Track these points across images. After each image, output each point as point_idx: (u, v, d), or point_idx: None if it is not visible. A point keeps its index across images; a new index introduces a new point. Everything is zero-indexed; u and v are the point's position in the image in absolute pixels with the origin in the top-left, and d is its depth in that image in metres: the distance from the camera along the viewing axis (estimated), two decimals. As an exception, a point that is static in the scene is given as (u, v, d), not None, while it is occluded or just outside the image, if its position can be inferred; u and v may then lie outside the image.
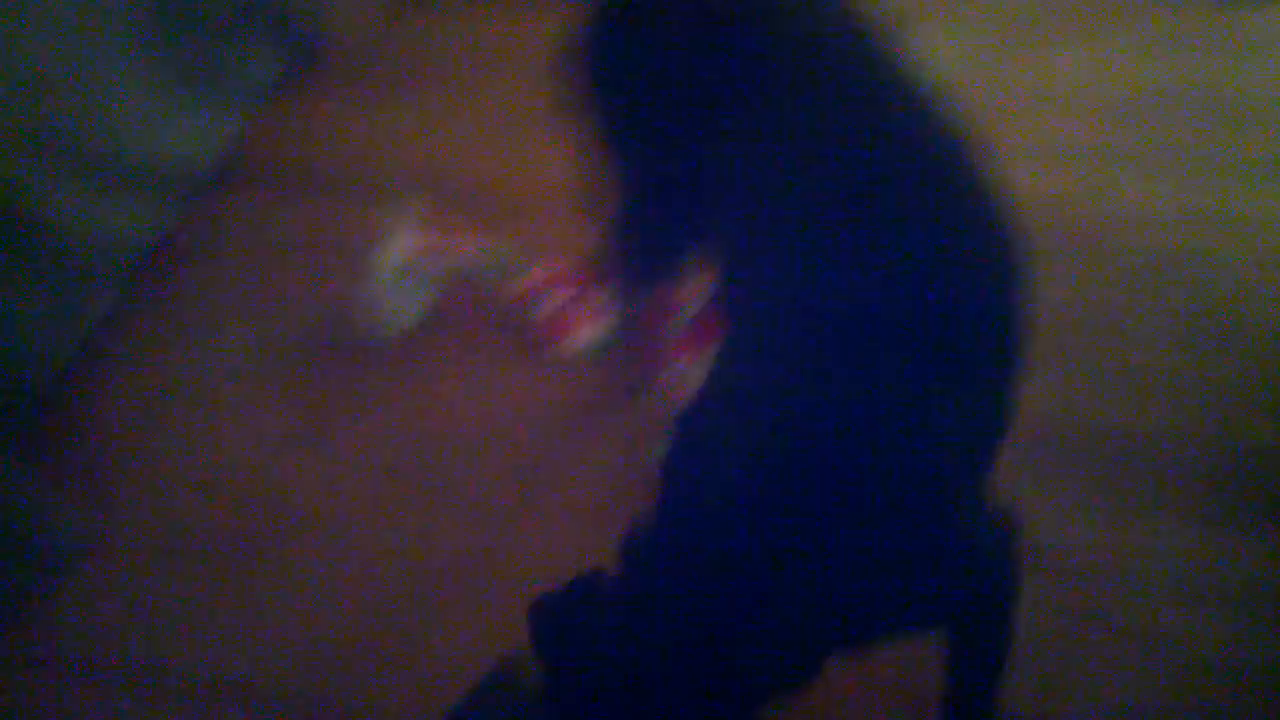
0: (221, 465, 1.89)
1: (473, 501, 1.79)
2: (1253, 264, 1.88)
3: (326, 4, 2.41)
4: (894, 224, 1.09)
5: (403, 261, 1.95)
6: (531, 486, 1.79)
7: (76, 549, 1.79)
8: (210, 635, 1.72)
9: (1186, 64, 2.18)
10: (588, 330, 1.90)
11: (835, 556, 1.02)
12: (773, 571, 1.02)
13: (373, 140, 2.32)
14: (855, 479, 1.02)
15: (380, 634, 1.69)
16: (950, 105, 1.20)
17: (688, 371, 1.76)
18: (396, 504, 1.82)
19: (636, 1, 1.35)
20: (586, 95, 1.42)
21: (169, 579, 1.78)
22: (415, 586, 1.72)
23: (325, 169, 2.28)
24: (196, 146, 2.15)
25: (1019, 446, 1.29)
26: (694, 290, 1.78)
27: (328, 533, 1.80)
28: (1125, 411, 1.74)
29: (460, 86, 2.37)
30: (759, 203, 1.17)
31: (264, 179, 2.26)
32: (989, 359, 1.11)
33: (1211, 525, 1.61)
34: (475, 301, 2.01)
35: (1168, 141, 2.07)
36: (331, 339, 2.01)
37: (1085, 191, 2.02)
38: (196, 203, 2.18)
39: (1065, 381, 1.77)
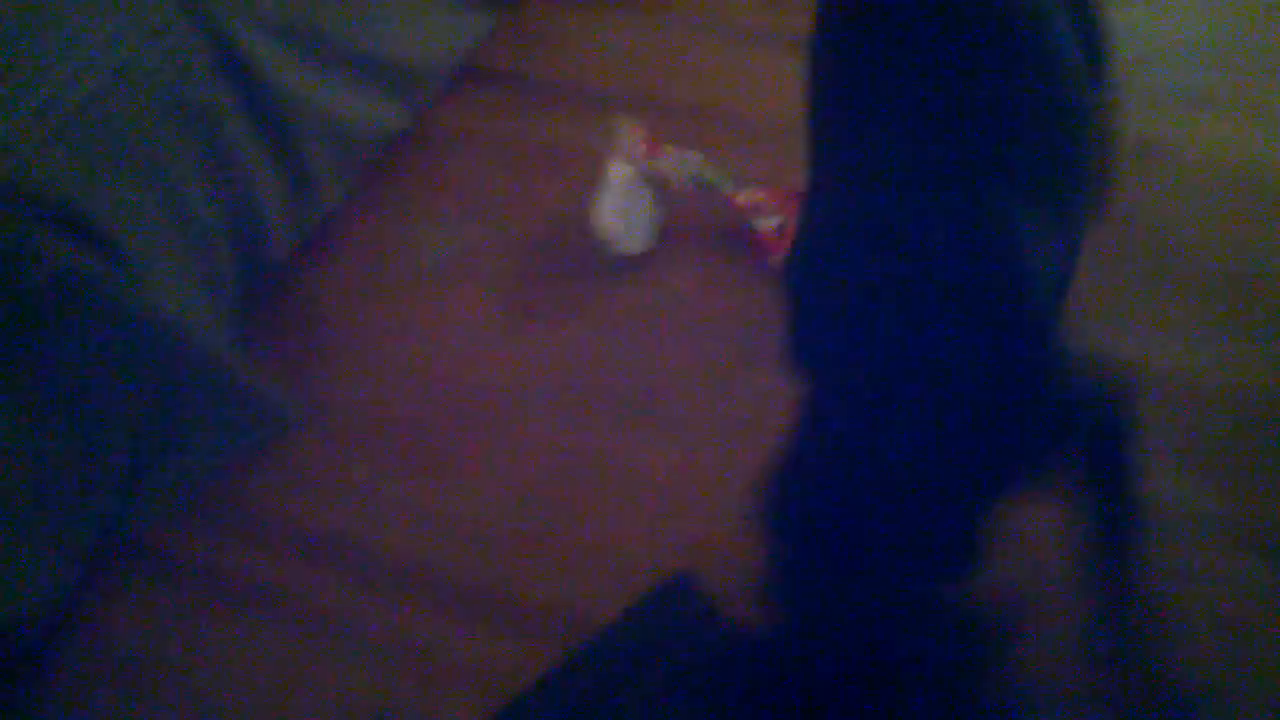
0: (428, 354, 1.91)
1: (669, 419, 1.76)
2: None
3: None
4: None
5: (632, 178, 1.94)
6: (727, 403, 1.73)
7: (292, 421, 1.83)
8: (398, 515, 1.75)
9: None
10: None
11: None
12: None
13: (607, 54, 2.32)
14: None
15: (555, 530, 1.69)
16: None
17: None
18: (587, 411, 1.81)
19: None
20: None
21: (368, 457, 1.82)
22: (596, 491, 1.71)
23: (559, 79, 2.29)
24: (440, 47, 2.18)
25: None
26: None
27: (516, 428, 1.81)
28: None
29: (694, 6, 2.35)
30: None
31: (500, 83, 2.28)
32: None
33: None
34: (700, 210, 1.97)
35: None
36: (550, 244, 2.01)
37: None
38: (432, 102, 2.21)
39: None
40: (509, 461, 1.78)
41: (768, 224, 1.89)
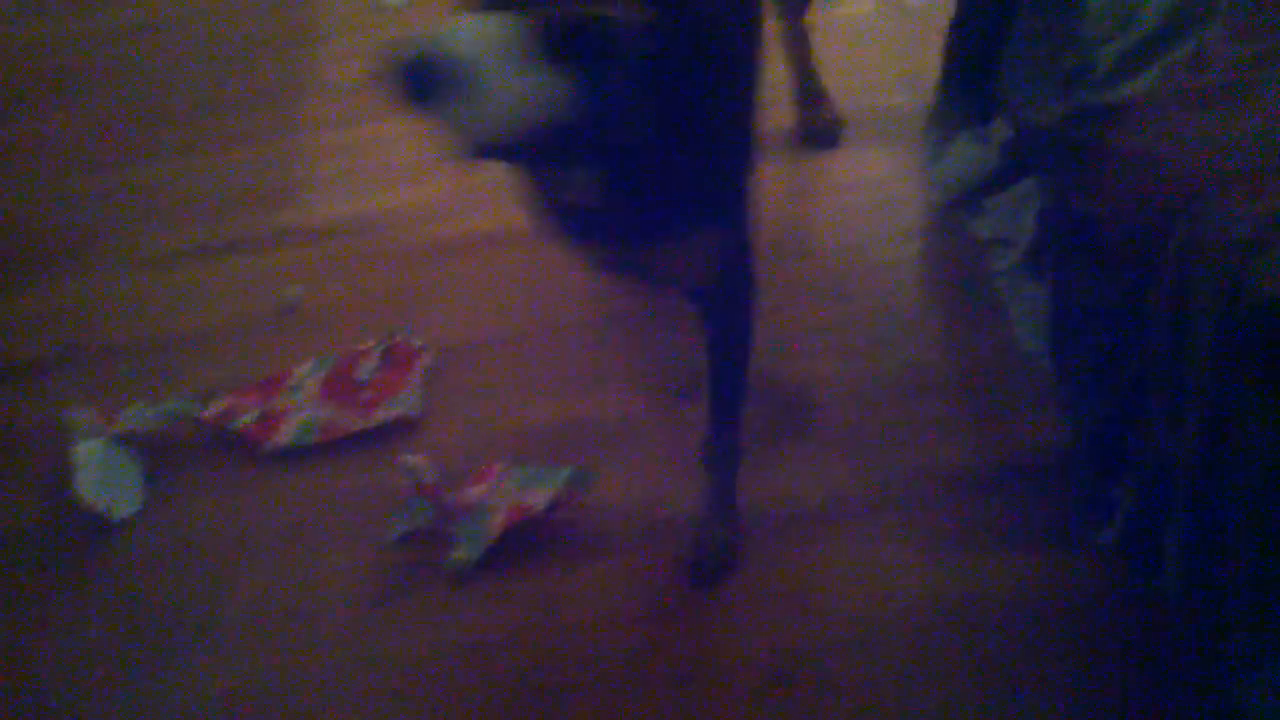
0: None
1: None
2: None
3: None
4: None
5: (103, 446, 1.84)
6: None
7: None
8: None
9: None
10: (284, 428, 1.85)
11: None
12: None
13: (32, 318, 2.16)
14: None
15: None
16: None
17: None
18: None
19: None
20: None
21: None
22: None
23: None
24: None
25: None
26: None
27: None
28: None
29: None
30: None
31: None
32: None
33: None
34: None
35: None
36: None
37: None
38: None
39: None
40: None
41: (247, 420, 1.86)
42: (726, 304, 1.51)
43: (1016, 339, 1.82)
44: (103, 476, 1.80)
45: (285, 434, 1.83)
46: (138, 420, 1.85)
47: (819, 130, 2.26)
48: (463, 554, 1.63)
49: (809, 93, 2.24)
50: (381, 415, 1.83)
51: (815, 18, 2.18)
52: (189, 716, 1.54)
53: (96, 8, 2.97)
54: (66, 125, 2.60)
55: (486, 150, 1.17)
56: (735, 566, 1.61)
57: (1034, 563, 1.58)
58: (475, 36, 1.08)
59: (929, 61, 2.11)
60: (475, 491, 1.68)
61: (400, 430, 1.82)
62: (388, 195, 2.28)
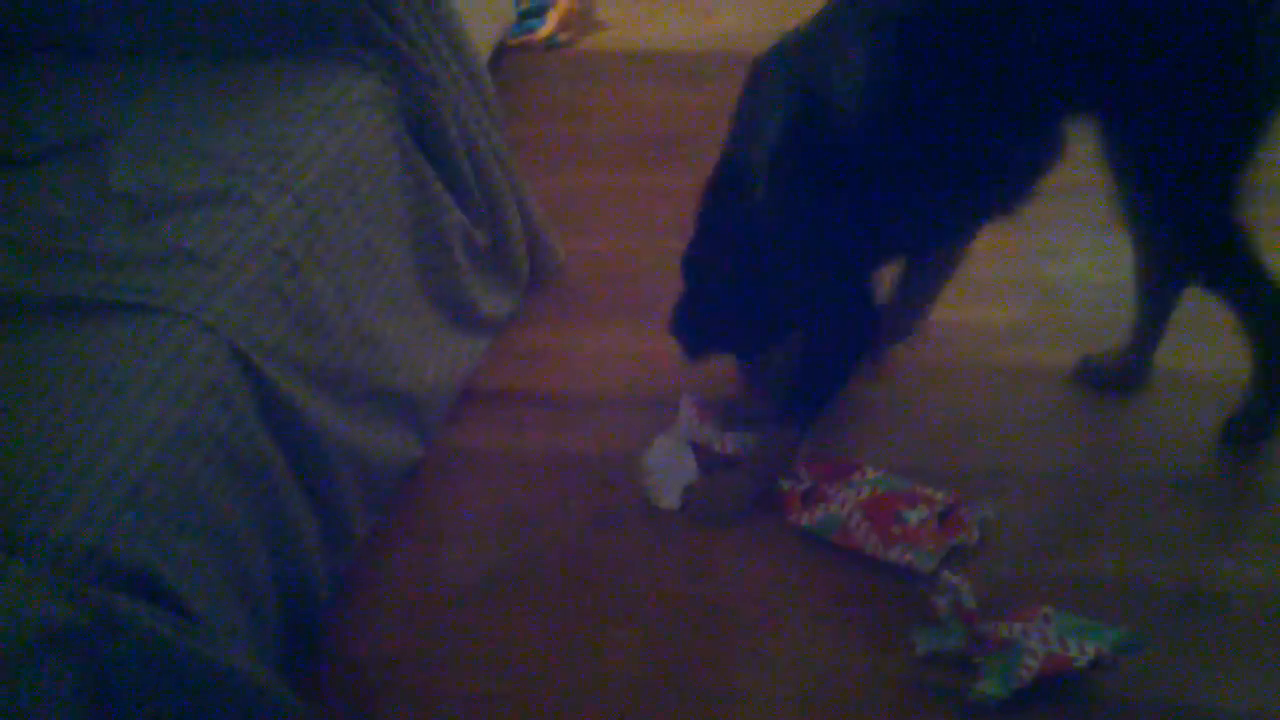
0: (490, 674, 1.76)
1: None
2: None
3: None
4: None
5: (676, 443, 2.05)
6: None
7: None
8: None
9: None
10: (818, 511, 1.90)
11: None
12: None
13: (598, 362, 2.30)
14: None
15: None
16: None
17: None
18: None
19: None
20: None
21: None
22: None
23: (555, 391, 2.25)
24: (445, 373, 2.16)
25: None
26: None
27: None
28: None
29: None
30: None
31: (500, 402, 2.23)
32: None
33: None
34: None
35: None
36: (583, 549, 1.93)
37: None
38: (441, 427, 2.15)
39: None
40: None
41: (797, 486, 1.93)
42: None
43: None
44: (666, 464, 2.02)
45: (814, 516, 1.87)
46: (716, 436, 2.05)
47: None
48: (991, 688, 1.56)
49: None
50: (895, 556, 1.79)
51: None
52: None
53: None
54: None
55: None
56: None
57: None
58: None
59: None
60: (1014, 627, 1.61)
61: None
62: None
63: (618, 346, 2.32)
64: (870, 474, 1.92)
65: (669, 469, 2.01)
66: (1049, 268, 2.32)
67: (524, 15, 3.42)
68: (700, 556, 1.89)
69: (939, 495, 1.86)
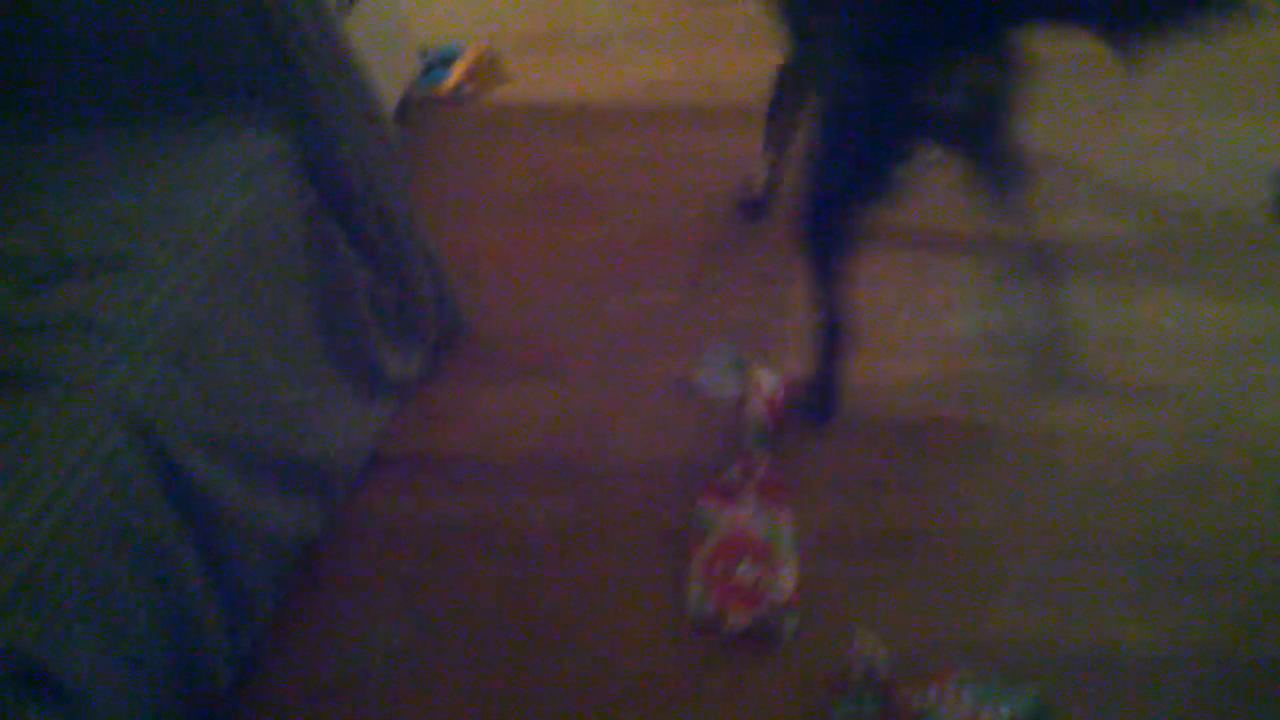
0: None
1: None
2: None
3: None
4: None
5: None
6: None
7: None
8: None
9: None
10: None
11: None
12: None
13: (515, 423, 2.26)
14: None
15: None
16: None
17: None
18: None
19: None
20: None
21: None
22: None
23: (467, 453, 2.21)
24: (354, 439, 2.13)
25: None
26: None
27: None
28: None
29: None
30: None
31: (412, 466, 2.20)
32: None
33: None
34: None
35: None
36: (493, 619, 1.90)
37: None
38: (349, 495, 2.12)
39: None
40: None
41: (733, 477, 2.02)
42: None
43: None
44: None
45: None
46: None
47: None
48: (907, 759, 1.57)
49: None
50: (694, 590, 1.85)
51: None
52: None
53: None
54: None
55: None
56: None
57: None
58: None
59: None
60: (930, 694, 1.62)
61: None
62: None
63: (528, 408, 2.29)
64: (780, 522, 1.93)
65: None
66: (951, 322, 2.37)
67: (430, 67, 3.40)
68: (607, 638, 1.85)
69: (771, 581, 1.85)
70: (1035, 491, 1.97)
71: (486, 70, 3.43)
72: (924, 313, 2.36)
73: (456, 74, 3.37)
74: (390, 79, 3.07)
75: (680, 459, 2.12)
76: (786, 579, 1.83)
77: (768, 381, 2.15)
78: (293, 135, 1.98)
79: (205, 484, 1.63)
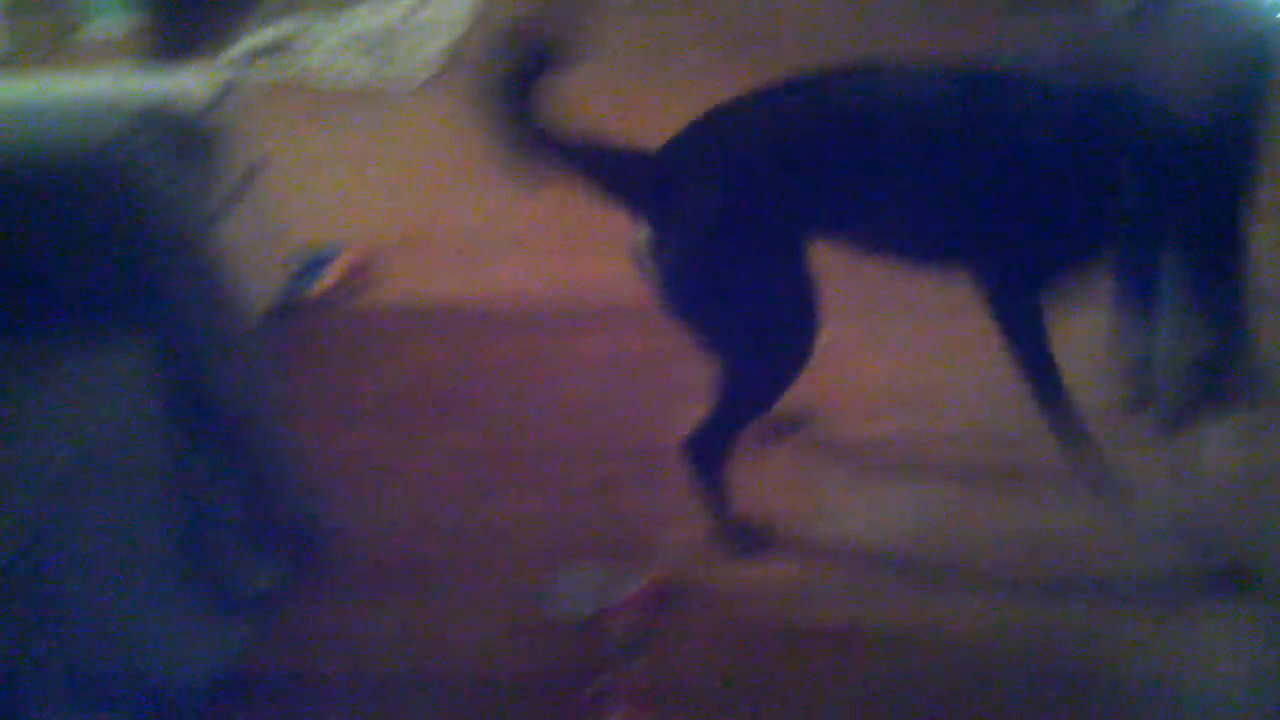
0: None
1: None
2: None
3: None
4: None
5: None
6: None
7: None
8: None
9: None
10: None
11: None
12: None
13: (380, 640, 2.20)
14: None
15: None
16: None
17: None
18: None
19: None
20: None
21: None
22: None
23: (333, 673, 2.16)
24: (211, 666, 2.07)
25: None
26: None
27: None
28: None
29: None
30: None
31: (274, 690, 2.14)
32: None
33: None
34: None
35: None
36: None
37: None
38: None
39: None
40: None
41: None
42: None
43: None
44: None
45: None
46: None
47: None
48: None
49: None
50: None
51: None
52: None
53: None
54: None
55: None
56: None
57: None
58: None
59: None
60: None
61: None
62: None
63: (399, 624, 2.22)
64: None
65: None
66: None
67: (304, 270, 3.40)
68: None
69: None
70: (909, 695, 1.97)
71: (360, 273, 3.45)
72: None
73: (329, 278, 3.38)
74: (264, 282, 3.06)
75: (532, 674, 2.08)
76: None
77: (636, 587, 2.13)
78: (154, 353, 1.95)
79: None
